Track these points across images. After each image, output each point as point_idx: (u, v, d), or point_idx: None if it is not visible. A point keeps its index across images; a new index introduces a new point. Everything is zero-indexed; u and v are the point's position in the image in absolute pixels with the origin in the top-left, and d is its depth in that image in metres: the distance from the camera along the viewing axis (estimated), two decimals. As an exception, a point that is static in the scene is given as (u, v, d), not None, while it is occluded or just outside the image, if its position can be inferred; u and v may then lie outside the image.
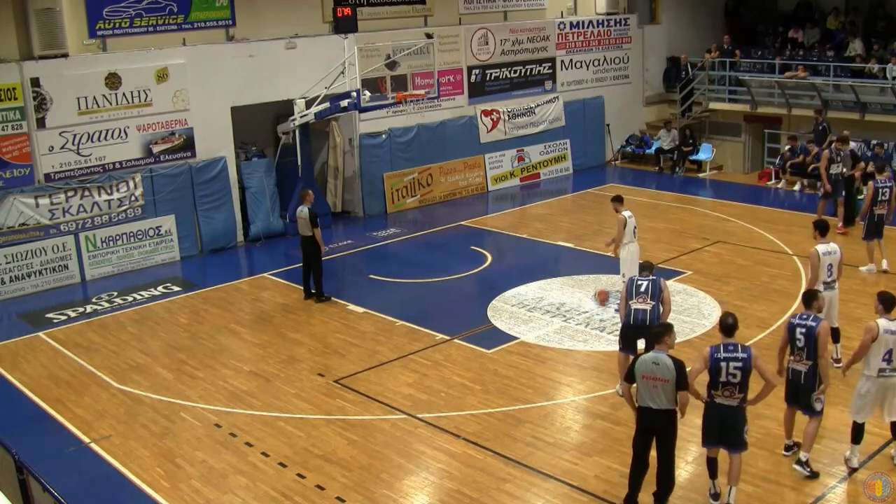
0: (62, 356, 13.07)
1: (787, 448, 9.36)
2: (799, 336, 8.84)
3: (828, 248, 10.97)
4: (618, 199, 13.49)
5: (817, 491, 8.72)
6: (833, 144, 18.08)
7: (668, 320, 9.82)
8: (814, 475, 8.90)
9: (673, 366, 7.95)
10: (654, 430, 8.15)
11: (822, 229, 11.28)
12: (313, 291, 14.86)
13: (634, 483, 8.36)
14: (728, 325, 8.32)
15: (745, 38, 25.71)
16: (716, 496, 8.50)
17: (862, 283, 14.26)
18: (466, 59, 21.85)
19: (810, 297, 9.11)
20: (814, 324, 8.79)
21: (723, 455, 8.43)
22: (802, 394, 8.90)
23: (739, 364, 8.04)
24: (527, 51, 22.99)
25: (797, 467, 8.98)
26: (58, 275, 16.26)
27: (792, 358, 8.97)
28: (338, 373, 11.99)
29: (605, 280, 14.86)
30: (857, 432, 9.05)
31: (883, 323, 8.75)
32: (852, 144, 18.63)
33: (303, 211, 14.59)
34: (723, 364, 8.05)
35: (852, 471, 9.00)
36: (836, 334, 11.16)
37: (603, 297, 13.93)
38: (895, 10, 24.09)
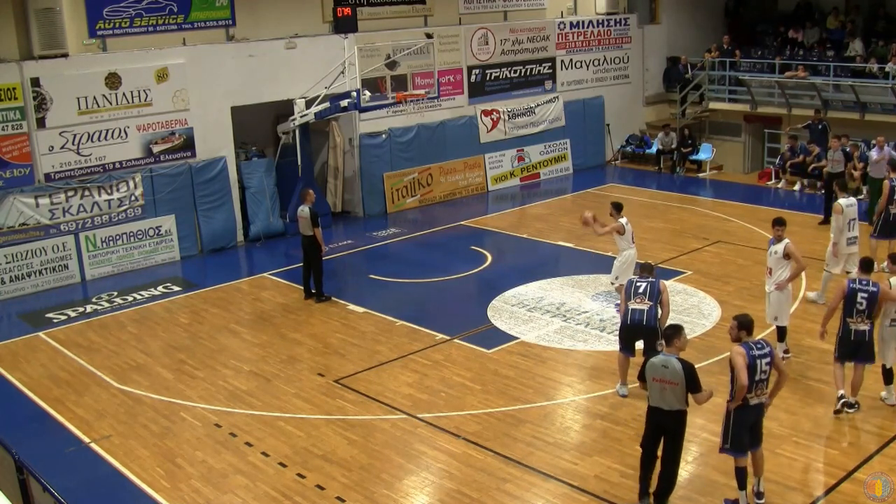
0: (62, 356, 13.06)
1: (841, 399, 9.92)
2: (861, 300, 9.71)
3: (774, 248, 11.42)
4: (616, 207, 13.28)
5: (818, 490, 8.75)
6: None
7: (670, 321, 9.82)
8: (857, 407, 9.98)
9: (682, 369, 7.98)
10: (664, 429, 8.22)
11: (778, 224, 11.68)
12: (313, 291, 14.86)
13: (645, 477, 8.42)
14: (749, 323, 8.45)
15: (745, 38, 25.70)
16: None
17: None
18: (466, 59, 21.84)
19: (868, 264, 10.04)
20: (875, 288, 9.70)
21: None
22: (864, 348, 9.82)
23: (768, 359, 8.21)
24: (527, 51, 22.98)
25: (850, 410, 9.91)
26: (58, 275, 16.26)
27: (851, 320, 9.80)
28: (338, 373, 11.99)
29: (605, 280, 14.86)
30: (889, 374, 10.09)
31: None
32: (883, 151, 18.30)
33: (304, 210, 14.58)
34: (758, 361, 8.15)
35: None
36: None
37: (587, 221, 13.37)
38: (895, 10, 24.10)
